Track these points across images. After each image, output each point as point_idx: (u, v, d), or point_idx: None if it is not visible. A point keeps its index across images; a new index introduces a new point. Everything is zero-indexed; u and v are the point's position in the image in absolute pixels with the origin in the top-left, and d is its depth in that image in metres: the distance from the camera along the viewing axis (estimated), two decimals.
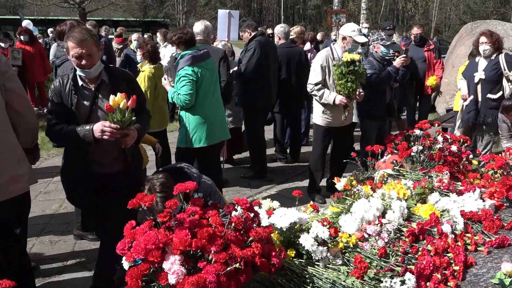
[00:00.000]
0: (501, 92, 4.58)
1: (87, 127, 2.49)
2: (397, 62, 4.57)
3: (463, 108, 4.83)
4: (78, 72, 2.55)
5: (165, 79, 4.12)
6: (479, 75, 4.59)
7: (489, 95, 4.58)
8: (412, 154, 3.12)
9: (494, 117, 4.59)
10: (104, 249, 2.82)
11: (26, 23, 10.11)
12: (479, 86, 4.63)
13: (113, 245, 2.81)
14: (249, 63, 4.92)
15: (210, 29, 4.69)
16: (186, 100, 3.73)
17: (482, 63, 4.67)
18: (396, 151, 3.22)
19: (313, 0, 50.48)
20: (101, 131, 2.42)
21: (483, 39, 4.59)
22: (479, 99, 4.63)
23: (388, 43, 4.64)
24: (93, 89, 2.60)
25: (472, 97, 4.64)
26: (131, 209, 1.65)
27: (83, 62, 2.46)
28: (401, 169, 3.01)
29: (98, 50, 2.55)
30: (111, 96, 2.38)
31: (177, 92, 3.78)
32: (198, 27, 4.62)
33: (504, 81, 4.58)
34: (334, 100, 4.16)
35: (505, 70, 4.53)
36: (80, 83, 2.60)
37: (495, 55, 4.61)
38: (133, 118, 2.47)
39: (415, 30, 6.95)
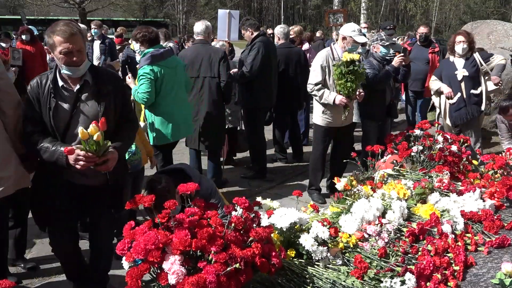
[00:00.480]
0: (480, 88, 4.73)
1: (61, 149, 2.24)
2: (395, 61, 4.58)
3: (444, 107, 4.83)
4: (64, 71, 2.30)
5: (129, 77, 4.18)
6: (462, 72, 4.67)
7: (472, 91, 4.70)
8: (412, 154, 3.12)
9: (477, 111, 4.74)
10: (97, 264, 2.70)
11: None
12: (462, 84, 4.71)
13: (108, 256, 2.69)
14: (254, 62, 4.93)
15: (210, 29, 4.74)
16: (144, 98, 3.81)
17: (459, 62, 4.77)
18: (396, 151, 3.22)
19: (313, 0, 50.50)
20: (75, 160, 2.19)
21: (461, 38, 4.72)
22: (464, 96, 4.72)
23: (387, 43, 4.65)
24: (75, 90, 2.35)
25: (459, 94, 4.70)
26: (115, 222, 1.58)
27: (74, 58, 2.24)
28: (401, 169, 3.01)
29: (85, 46, 2.37)
30: (80, 128, 2.14)
31: (137, 91, 3.86)
32: (199, 27, 4.64)
33: (481, 77, 4.74)
34: (334, 100, 4.16)
35: (482, 65, 4.71)
36: (61, 83, 2.35)
37: (469, 54, 4.75)
38: (108, 144, 2.26)
39: (421, 29, 6.73)
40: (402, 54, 4.63)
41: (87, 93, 2.38)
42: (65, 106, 2.35)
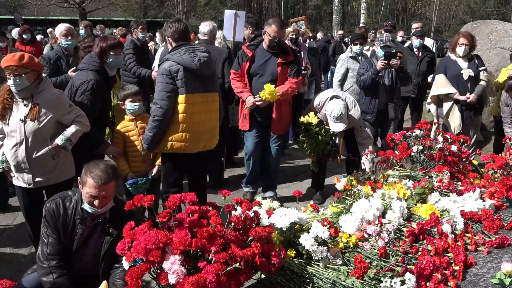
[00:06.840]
0: None
1: None
2: (377, 65, 4.61)
3: (450, 108, 4.81)
4: (85, 207, 2.31)
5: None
6: (468, 72, 4.68)
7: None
8: (412, 154, 3.12)
9: (476, 111, 4.83)
10: None
11: (14, 33, 9.62)
12: (468, 84, 4.74)
13: None
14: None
15: (216, 30, 4.76)
16: None
17: (462, 62, 4.78)
18: (396, 151, 3.22)
19: (313, 0, 50.43)
20: None
21: (464, 41, 4.71)
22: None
23: (382, 44, 4.68)
24: (92, 223, 2.37)
25: (468, 94, 4.70)
26: None
27: (96, 203, 2.25)
28: (401, 169, 3.01)
29: (115, 188, 2.33)
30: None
31: None
32: (205, 27, 4.67)
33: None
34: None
35: (478, 68, 4.75)
36: (85, 215, 2.36)
37: (470, 55, 4.79)
38: None
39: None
40: (383, 58, 4.63)
41: (100, 228, 2.39)
42: (82, 232, 2.37)
